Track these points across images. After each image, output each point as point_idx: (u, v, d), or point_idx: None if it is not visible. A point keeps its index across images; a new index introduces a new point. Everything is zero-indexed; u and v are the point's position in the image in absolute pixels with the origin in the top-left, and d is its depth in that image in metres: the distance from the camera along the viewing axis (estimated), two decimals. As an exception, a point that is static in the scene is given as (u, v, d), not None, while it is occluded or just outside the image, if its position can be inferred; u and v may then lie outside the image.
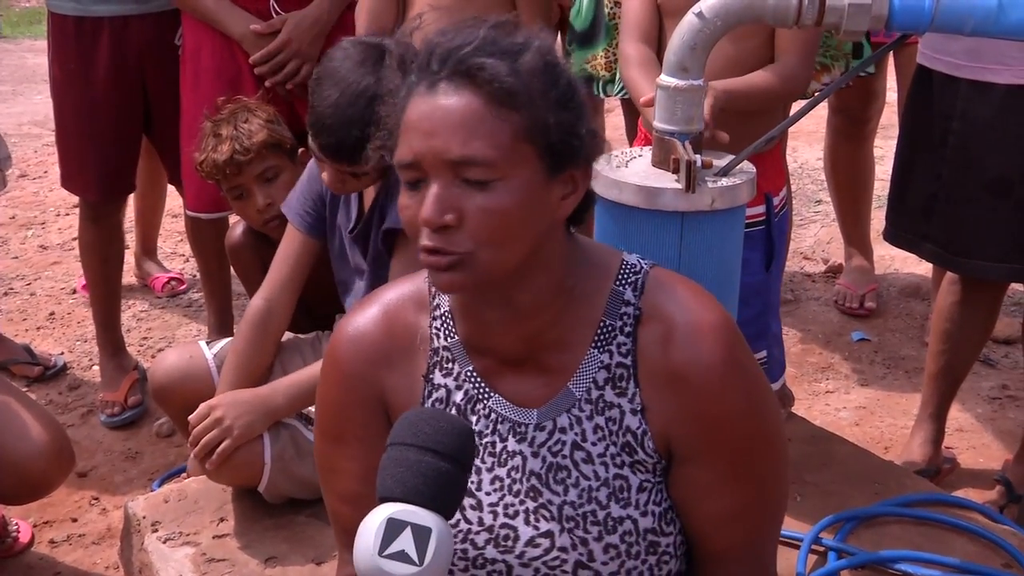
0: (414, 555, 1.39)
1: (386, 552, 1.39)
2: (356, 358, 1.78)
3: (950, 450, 3.71)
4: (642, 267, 1.74)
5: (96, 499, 3.64)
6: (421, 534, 1.40)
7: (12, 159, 4.24)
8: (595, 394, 1.71)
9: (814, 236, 5.58)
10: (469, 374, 1.75)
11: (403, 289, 1.82)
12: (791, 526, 2.60)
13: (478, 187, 1.55)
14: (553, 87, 1.60)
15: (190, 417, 2.72)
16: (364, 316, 1.80)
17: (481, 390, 1.74)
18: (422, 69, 1.59)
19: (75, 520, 3.54)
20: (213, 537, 2.68)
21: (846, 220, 4.85)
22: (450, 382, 1.76)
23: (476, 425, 1.75)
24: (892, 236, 3.41)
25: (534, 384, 1.73)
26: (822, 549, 2.63)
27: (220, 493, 2.81)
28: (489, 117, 1.54)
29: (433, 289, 1.77)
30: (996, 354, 4.39)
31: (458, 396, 1.75)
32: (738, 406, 1.68)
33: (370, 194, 2.85)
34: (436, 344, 1.77)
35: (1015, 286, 4.13)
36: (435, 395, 1.76)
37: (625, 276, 1.72)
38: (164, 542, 2.67)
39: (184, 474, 3.44)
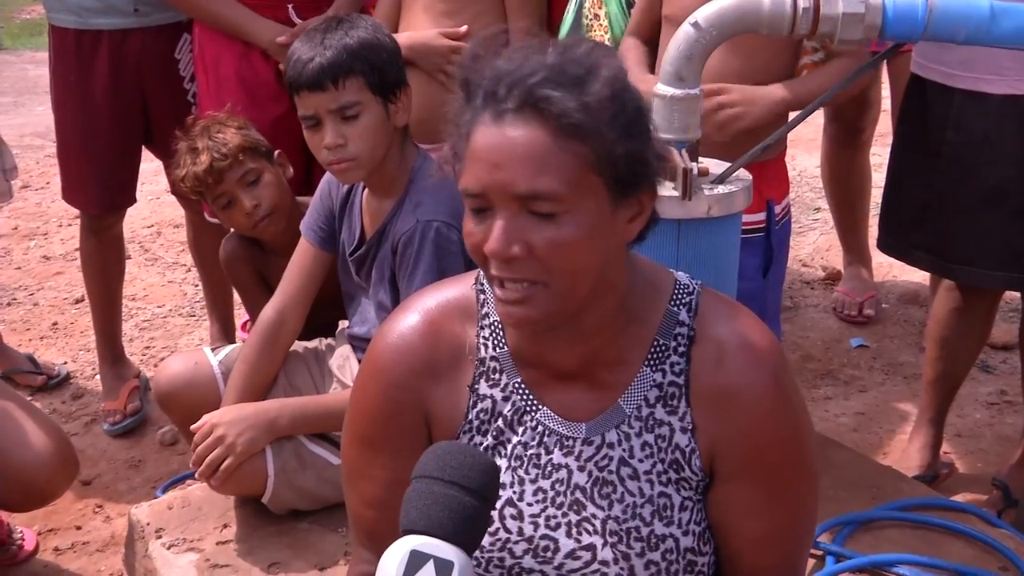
0: None
1: None
2: (399, 368, 1.77)
3: (948, 455, 3.73)
4: (694, 288, 1.75)
5: (100, 507, 3.66)
6: (443, 568, 1.40)
7: (18, 170, 4.26)
8: (645, 411, 1.72)
9: (813, 243, 5.60)
10: (517, 385, 1.75)
11: (447, 295, 1.81)
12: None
13: (545, 220, 1.54)
14: (621, 115, 1.56)
15: (195, 437, 2.73)
16: (406, 324, 1.78)
17: (529, 402, 1.74)
18: (488, 97, 1.56)
19: (79, 528, 3.56)
20: (217, 543, 2.70)
21: (844, 228, 4.87)
22: (496, 393, 1.75)
23: (522, 436, 1.74)
24: (885, 245, 3.43)
25: (583, 398, 1.74)
26: (820, 553, 2.64)
27: (223, 500, 2.82)
28: (556, 150, 1.52)
29: (482, 297, 1.77)
30: (994, 360, 4.41)
31: (505, 407, 1.75)
32: (782, 430, 1.70)
33: (371, 220, 2.87)
34: (483, 354, 1.76)
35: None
36: (480, 405, 1.76)
37: (680, 296, 1.74)
38: (168, 548, 2.68)
39: (188, 481, 3.46)
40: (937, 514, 2.80)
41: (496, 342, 1.76)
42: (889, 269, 5.06)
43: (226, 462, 2.68)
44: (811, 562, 2.63)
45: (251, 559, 2.64)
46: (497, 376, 1.76)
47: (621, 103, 1.57)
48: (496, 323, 1.76)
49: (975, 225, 3.13)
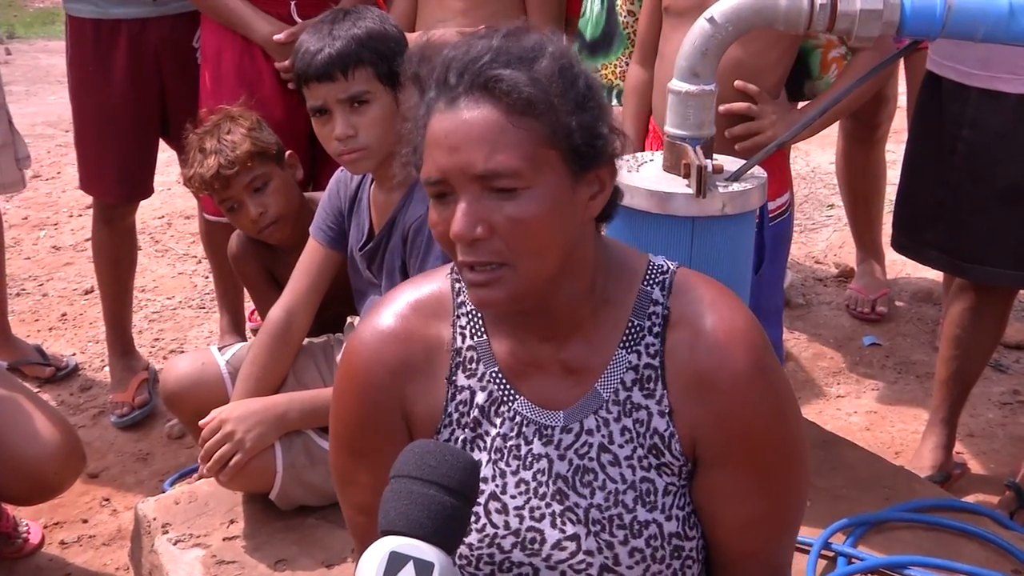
0: None
1: None
2: (374, 367, 1.76)
3: (960, 455, 3.71)
4: (669, 268, 1.74)
5: (107, 500, 3.65)
6: (424, 569, 1.39)
7: (31, 159, 4.27)
8: (623, 395, 1.70)
9: (826, 240, 5.58)
10: (494, 375, 1.74)
11: (422, 289, 1.80)
12: (801, 531, 2.59)
13: (506, 197, 1.55)
14: (571, 89, 1.59)
15: (203, 432, 2.71)
16: (380, 323, 1.78)
17: (506, 392, 1.74)
18: (440, 85, 1.60)
19: (86, 521, 3.55)
20: (223, 539, 2.69)
21: (858, 225, 4.85)
22: (474, 383, 1.75)
23: (500, 428, 1.74)
24: (898, 244, 3.41)
25: (560, 385, 1.73)
26: (832, 554, 2.63)
27: (230, 495, 2.81)
28: (510, 128, 1.54)
29: (458, 287, 1.77)
30: (1007, 359, 4.39)
31: (481, 398, 1.74)
32: (764, 412, 1.68)
33: (379, 214, 2.85)
34: (460, 345, 1.76)
35: (1026, 291, 4.12)
36: (459, 397, 1.75)
37: (653, 276, 1.72)
38: (174, 544, 2.67)
39: (195, 475, 3.45)
40: (950, 516, 2.78)
41: (473, 331, 1.76)
42: (902, 267, 5.03)
43: (235, 458, 2.67)
44: (822, 563, 2.61)
45: (258, 555, 2.63)
46: (474, 366, 1.75)
47: (571, 78, 1.60)
48: (473, 312, 1.76)
49: (989, 224, 3.11)
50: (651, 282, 1.72)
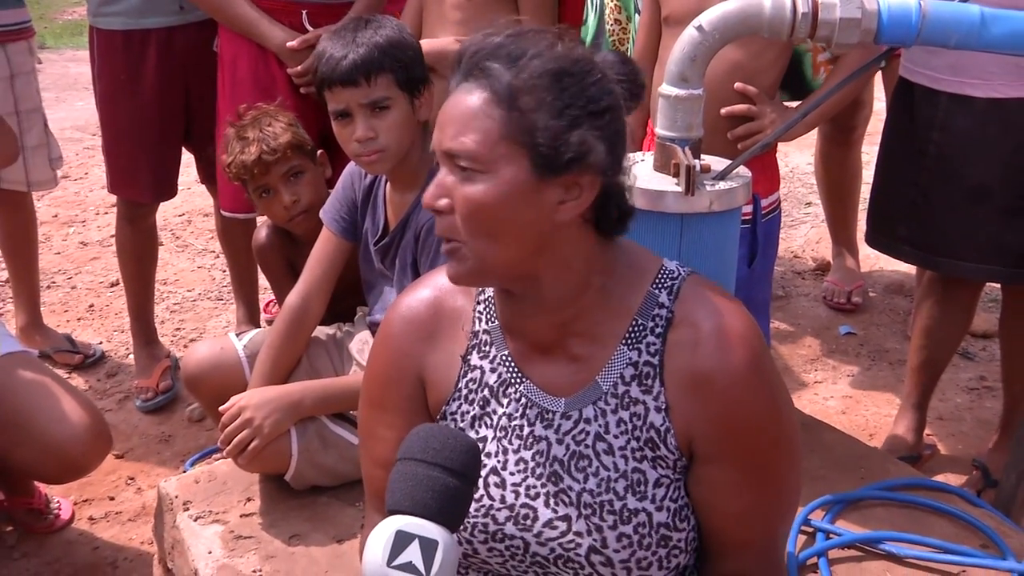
0: (421, 567, 1.39)
1: (394, 563, 1.39)
2: (404, 335, 1.80)
3: (931, 437, 3.71)
4: (680, 273, 1.73)
5: (132, 479, 3.64)
6: (428, 547, 1.40)
7: (63, 159, 4.26)
8: (621, 389, 1.70)
9: (804, 236, 5.57)
10: (504, 358, 1.75)
11: None
12: (782, 509, 2.59)
13: (465, 177, 1.58)
14: (551, 94, 1.56)
15: (223, 418, 2.69)
16: (417, 297, 1.83)
17: (514, 374, 1.74)
18: (453, 70, 1.64)
19: (112, 498, 3.55)
20: (240, 516, 2.67)
21: (834, 221, 4.84)
22: (485, 364, 1.76)
23: (506, 408, 1.74)
24: (872, 240, 3.39)
25: (564, 373, 1.73)
26: (811, 530, 2.61)
27: (247, 475, 2.79)
28: (481, 114, 1.57)
29: None
30: (974, 347, 4.38)
31: (491, 378, 1.76)
32: (760, 412, 1.67)
33: (394, 212, 2.83)
34: (477, 327, 1.78)
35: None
36: (470, 375, 1.77)
37: (662, 280, 1.72)
38: (195, 520, 2.66)
39: (215, 455, 3.44)
40: (921, 494, 2.76)
41: (489, 316, 1.77)
42: (876, 260, 5.03)
43: (253, 443, 2.65)
44: (802, 538, 2.60)
45: (273, 531, 2.61)
46: (487, 348, 1.77)
47: (562, 85, 1.58)
48: (489, 298, 1.78)
49: (959, 221, 3.09)
50: (659, 286, 1.71)
